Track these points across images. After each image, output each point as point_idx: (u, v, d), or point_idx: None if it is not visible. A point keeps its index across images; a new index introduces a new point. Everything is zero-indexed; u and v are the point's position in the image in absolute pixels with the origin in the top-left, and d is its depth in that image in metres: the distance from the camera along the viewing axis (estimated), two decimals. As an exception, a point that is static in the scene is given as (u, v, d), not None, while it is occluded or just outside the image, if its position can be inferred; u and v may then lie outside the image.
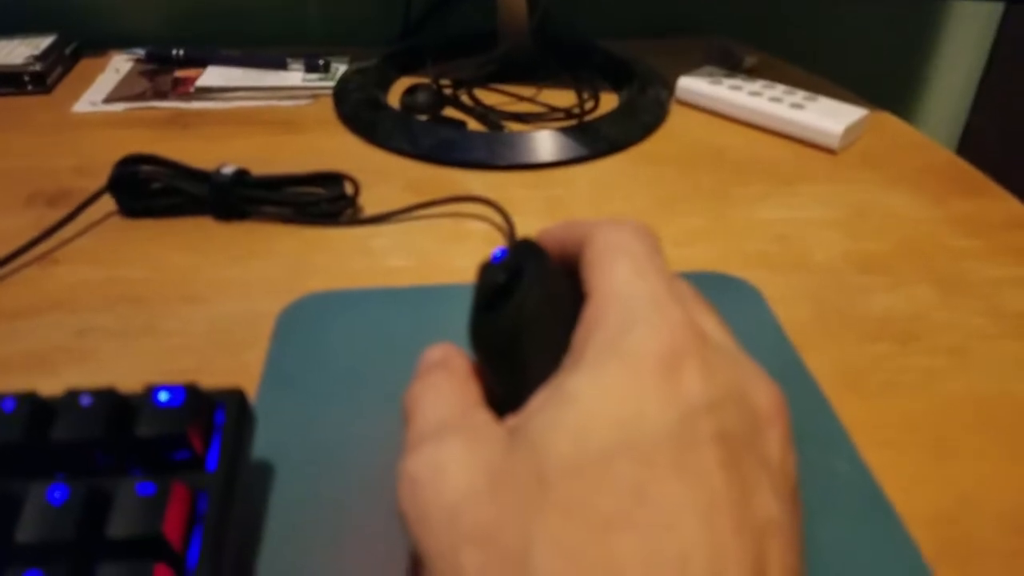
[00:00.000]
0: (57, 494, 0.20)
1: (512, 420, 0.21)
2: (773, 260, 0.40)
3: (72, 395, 0.22)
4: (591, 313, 0.21)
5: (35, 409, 0.22)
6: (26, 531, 0.20)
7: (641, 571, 0.16)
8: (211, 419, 0.23)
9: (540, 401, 0.20)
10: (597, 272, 0.22)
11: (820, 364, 0.33)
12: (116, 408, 0.22)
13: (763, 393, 0.20)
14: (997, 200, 0.46)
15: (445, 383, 0.22)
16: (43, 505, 0.20)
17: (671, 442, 0.18)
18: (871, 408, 0.32)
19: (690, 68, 0.57)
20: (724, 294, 0.37)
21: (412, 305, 0.36)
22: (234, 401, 0.24)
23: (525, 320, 0.23)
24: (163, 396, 0.22)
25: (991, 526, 0.27)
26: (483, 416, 0.21)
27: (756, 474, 0.18)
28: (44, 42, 0.62)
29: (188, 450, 0.22)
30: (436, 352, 0.25)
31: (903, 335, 0.36)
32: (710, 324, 0.22)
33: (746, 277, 0.38)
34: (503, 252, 0.26)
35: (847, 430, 0.30)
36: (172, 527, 0.20)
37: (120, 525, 0.20)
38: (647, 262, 0.23)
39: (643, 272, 0.22)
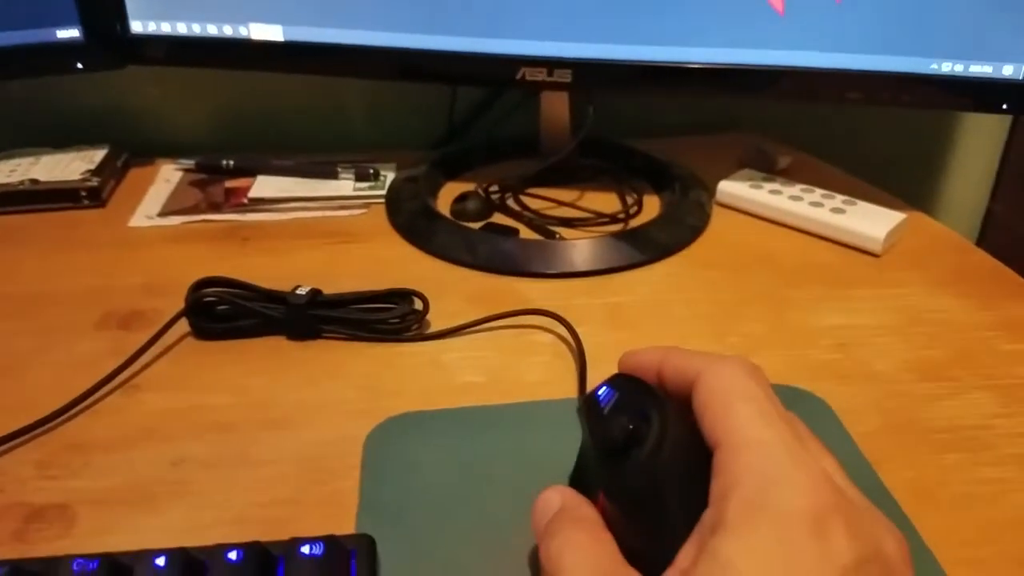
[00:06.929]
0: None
1: None
2: (837, 370, 0.42)
3: (219, 548, 0.23)
4: (725, 466, 0.22)
5: (186, 563, 0.23)
6: None
7: None
8: (348, 567, 0.25)
9: (690, 563, 0.21)
10: (719, 419, 0.23)
11: (895, 479, 0.35)
12: (261, 562, 0.23)
13: (893, 545, 0.22)
14: (1040, 301, 0.47)
15: (582, 540, 0.23)
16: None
17: None
18: (949, 523, 0.33)
19: (726, 168, 0.60)
20: (799, 410, 0.38)
21: (494, 424, 0.37)
22: (364, 547, 0.25)
23: (663, 471, 0.23)
24: (305, 549, 0.23)
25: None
26: None
27: None
28: (97, 155, 0.63)
29: (330, 601, 0.23)
30: (554, 498, 0.25)
31: (971, 445, 0.37)
32: (832, 468, 0.23)
33: (813, 388, 0.40)
34: (609, 391, 0.27)
35: (930, 548, 0.31)
36: None
37: None
38: (768, 405, 0.24)
39: (768, 418, 0.23)
